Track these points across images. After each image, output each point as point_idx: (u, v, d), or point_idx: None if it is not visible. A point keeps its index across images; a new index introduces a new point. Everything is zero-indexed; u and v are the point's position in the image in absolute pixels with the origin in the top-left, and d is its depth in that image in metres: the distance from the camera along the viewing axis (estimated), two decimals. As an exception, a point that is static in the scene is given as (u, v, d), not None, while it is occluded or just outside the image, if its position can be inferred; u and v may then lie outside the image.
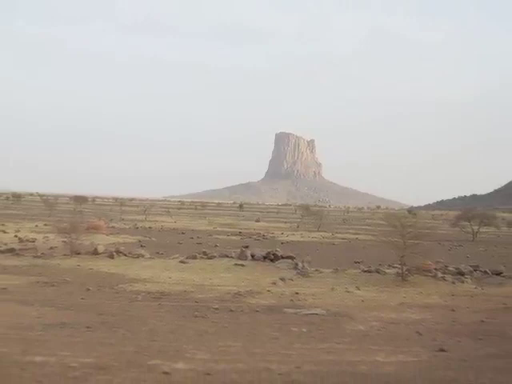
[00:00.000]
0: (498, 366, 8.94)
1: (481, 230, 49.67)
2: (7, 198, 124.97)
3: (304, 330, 11.30)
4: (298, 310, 13.39)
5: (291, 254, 24.49)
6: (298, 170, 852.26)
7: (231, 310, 13.22)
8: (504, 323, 12.73)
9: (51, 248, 25.55)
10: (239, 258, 23.70)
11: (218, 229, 50.99)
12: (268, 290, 16.52)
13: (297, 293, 16.08)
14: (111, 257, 23.12)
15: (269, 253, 24.28)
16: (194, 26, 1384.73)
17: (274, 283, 17.80)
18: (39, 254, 23.23)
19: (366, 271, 21.19)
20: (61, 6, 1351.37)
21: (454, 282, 19.16)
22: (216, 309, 13.34)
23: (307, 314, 12.96)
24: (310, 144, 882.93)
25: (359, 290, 17.22)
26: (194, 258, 23.59)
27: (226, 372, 8.15)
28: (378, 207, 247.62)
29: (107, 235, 35.33)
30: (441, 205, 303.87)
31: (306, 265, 21.40)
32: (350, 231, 55.06)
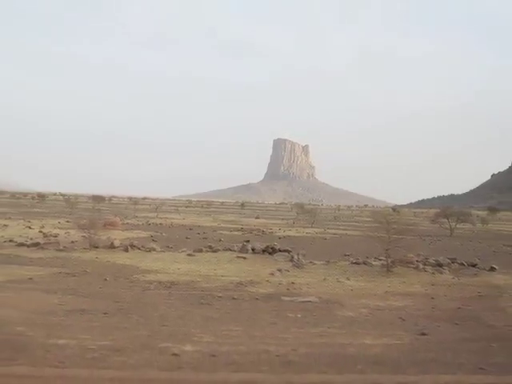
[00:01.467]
0: (473, 349, 8.95)
1: (458, 226, 49.58)
2: (33, 198, 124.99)
3: (299, 315, 11.30)
4: (294, 298, 13.38)
5: (288, 248, 24.48)
6: (293, 173, 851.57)
7: (234, 298, 13.21)
8: (478, 310, 12.73)
9: (72, 242, 25.55)
10: (241, 251, 23.70)
11: (222, 225, 50.94)
12: (267, 280, 16.51)
13: (293, 282, 16.07)
14: (126, 250, 23.11)
15: (267, 246, 24.28)
16: (196, 40, 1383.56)
17: (272, 274, 17.79)
18: (61, 248, 23.21)
19: (354, 263, 21.18)
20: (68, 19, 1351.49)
21: (433, 273, 19.15)
22: (220, 297, 13.34)
23: (302, 302, 12.96)
24: (305, 149, 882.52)
25: (349, 280, 17.21)
26: (201, 251, 23.59)
27: (229, 353, 8.16)
28: (366, 206, 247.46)
29: (122, 231, 35.32)
30: (422, 203, 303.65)
31: (300, 257, 21.39)
32: (341, 227, 54.99)
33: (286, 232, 43.33)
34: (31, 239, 26.46)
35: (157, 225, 46.59)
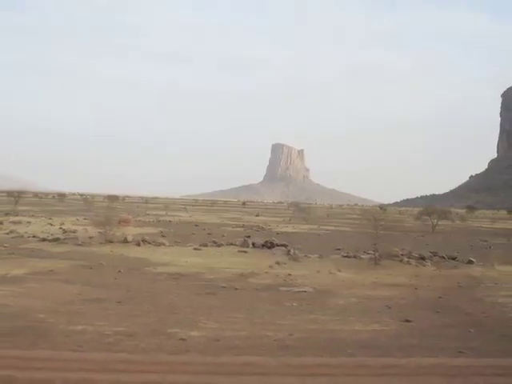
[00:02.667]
0: (453, 334, 8.95)
1: (439, 223, 49.53)
2: (53, 197, 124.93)
3: (295, 304, 11.29)
4: (290, 288, 13.38)
5: (285, 243, 24.46)
6: (290, 174, 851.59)
7: (236, 288, 13.20)
8: (457, 299, 12.73)
9: (89, 238, 25.52)
10: (242, 245, 23.68)
11: (225, 222, 50.85)
12: (266, 272, 16.50)
13: (289, 274, 16.06)
14: (138, 245, 23.09)
15: (266, 241, 24.27)
16: (203, 57, 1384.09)
17: (271, 266, 17.78)
18: (80, 243, 23.19)
19: (345, 256, 21.16)
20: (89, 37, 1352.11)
21: (417, 266, 19.13)
22: (223, 287, 13.33)
23: (298, 292, 12.95)
24: (300, 153, 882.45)
25: (340, 271, 17.19)
26: (206, 245, 23.57)
27: (232, 338, 8.16)
28: (356, 204, 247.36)
29: (135, 227, 35.26)
30: (406, 202, 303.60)
31: (296, 251, 21.37)
32: (333, 224, 54.92)
33: (283, 228, 43.27)
34: (52, 235, 26.42)
35: (166, 222, 46.52)
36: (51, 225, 35.25)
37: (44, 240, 24.03)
